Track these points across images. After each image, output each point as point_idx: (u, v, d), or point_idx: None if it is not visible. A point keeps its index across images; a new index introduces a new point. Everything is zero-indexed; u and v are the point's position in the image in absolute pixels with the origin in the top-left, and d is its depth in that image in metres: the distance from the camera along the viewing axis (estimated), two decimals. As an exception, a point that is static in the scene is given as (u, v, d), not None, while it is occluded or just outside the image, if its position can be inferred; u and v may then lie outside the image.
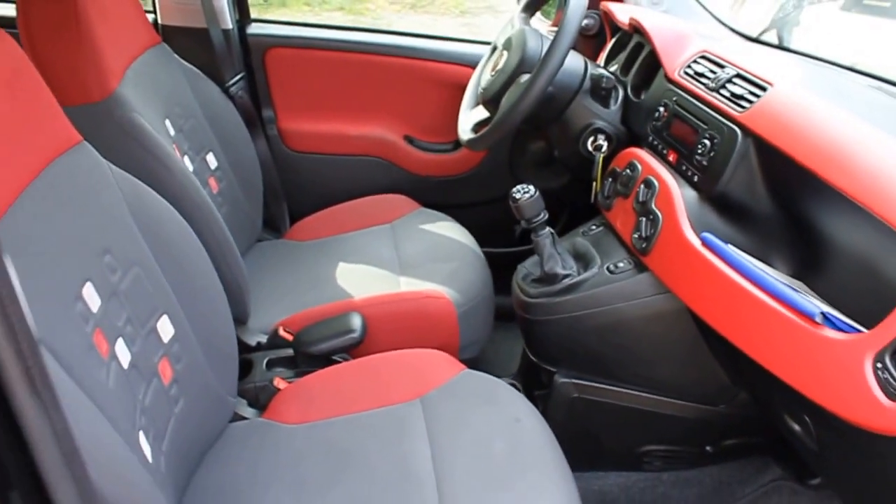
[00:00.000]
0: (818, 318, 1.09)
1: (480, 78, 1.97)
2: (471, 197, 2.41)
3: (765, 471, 1.79)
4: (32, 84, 1.09)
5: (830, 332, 1.06)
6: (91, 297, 1.04)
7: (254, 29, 2.30)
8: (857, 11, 2.24)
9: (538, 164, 2.34)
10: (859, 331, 1.04)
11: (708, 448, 1.74)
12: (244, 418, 1.44)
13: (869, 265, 1.13)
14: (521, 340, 1.88)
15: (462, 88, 2.12)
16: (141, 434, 1.05)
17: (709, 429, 1.70)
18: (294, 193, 2.36)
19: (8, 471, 0.60)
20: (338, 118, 2.38)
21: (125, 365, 1.07)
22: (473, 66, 2.15)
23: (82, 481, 0.63)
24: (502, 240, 2.40)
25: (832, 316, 1.09)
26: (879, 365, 0.98)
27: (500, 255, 2.13)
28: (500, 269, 1.96)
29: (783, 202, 1.35)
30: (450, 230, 2.05)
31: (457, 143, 2.39)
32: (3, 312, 0.55)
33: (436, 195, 2.33)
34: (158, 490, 0.96)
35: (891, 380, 0.97)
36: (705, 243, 1.34)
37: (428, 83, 2.34)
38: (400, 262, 1.89)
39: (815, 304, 1.11)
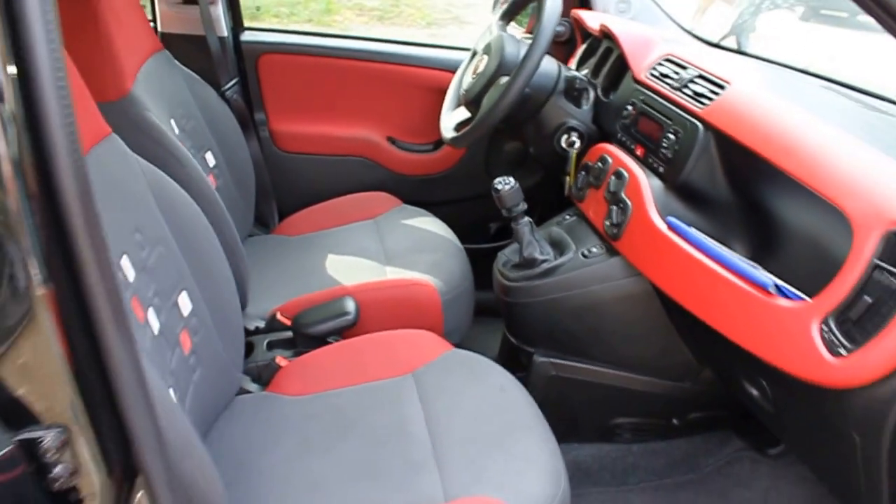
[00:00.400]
0: (771, 289, 1.23)
1: (462, 81, 2.09)
2: (449, 195, 2.53)
3: (727, 443, 1.93)
4: (73, 80, 1.20)
5: (782, 301, 1.20)
6: (127, 268, 1.15)
7: (247, 36, 2.42)
8: (816, 21, 2.37)
9: (512, 164, 2.46)
10: (806, 299, 1.18)
11: (675, 421, 1.87)
12: (249, 392, 1.54)
13: (814, 242, 1.27)
14: (499, 332, 2.01)
15: (441, 92, 2.24)
16: (171, 391, 1.16)
17: (675, 403, 1.84)
18: (283, 191, 2.48)
19: (96, 395, 0.71)
20: (325, 120, 2.50)
21: (155, 332, 1.18)
22: (452, 71, 2.27)
23: (151, 406, 0.75)
24: (478, 236, 2.51)
25: (783, 287, 1.23)
26: (825, 327, 1.12)
27: (477, 251, 2.24)
28: (477, 264, 2.07)
29: (741, 189, 1.49)
30: (430, 225, 2.16)
31: (436, 144, 2.52)
32: (97, 260, 0.67)
33: (416, 193, 2.44)
34: (195, 434, 1.06)
35: (834, 340, 1.10)
36: (671, 227, 1.48)
37: (409, 87, 2.47)
38: (385, 254, 2.00)
39: (769, 277, 1.25)
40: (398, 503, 1.22)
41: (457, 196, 2.54)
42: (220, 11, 2.28)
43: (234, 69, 2.37)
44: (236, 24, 2.39)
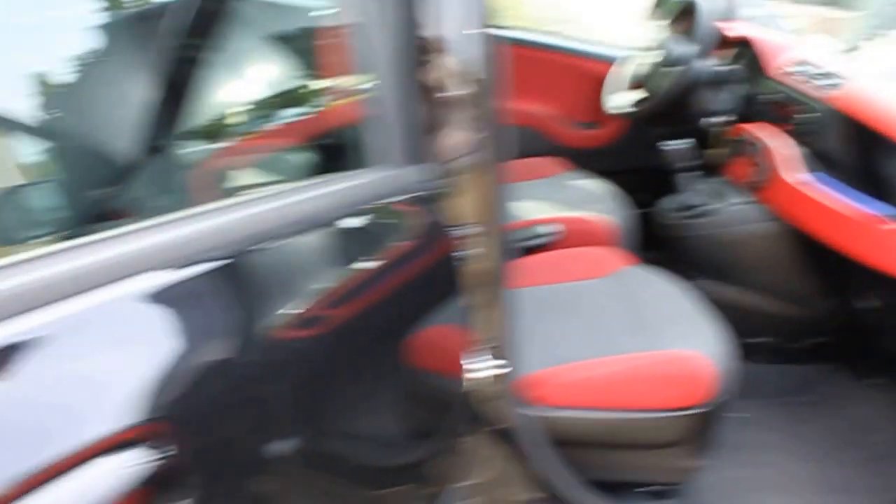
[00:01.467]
0: (887, 217, 1.71)
1: (634, 69, 2.63)
2: (607, 166, 2.94)
3: (835, 373, 2.37)
4: None
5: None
6: None
7: None
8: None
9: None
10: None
11: (799, 345, 2.34)
12: None
13: None
14: None
15: (597, 79, 2.83)
16: None
17: (800, 327, 2.31)
18: None
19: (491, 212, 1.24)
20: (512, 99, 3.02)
21: None
22: (608, 63, 2.85)
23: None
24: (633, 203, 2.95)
25: (896, 214, 1.71)
26: None
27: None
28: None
29: (859, 156, 1.93)
30: (594, 184, 2.64)
31: (591, 123, 3.07)
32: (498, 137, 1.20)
33: (575, 164, 2.89)
34: None
35: None
36: (810, 181, 1.96)
37: (575, 74, 3.03)
38: (566, 202, 2.46)
39: (888, 207, 1.73)
40: (613, 352, 1.64)
41: (612, 168, 2.94)
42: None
43: None
44: None
